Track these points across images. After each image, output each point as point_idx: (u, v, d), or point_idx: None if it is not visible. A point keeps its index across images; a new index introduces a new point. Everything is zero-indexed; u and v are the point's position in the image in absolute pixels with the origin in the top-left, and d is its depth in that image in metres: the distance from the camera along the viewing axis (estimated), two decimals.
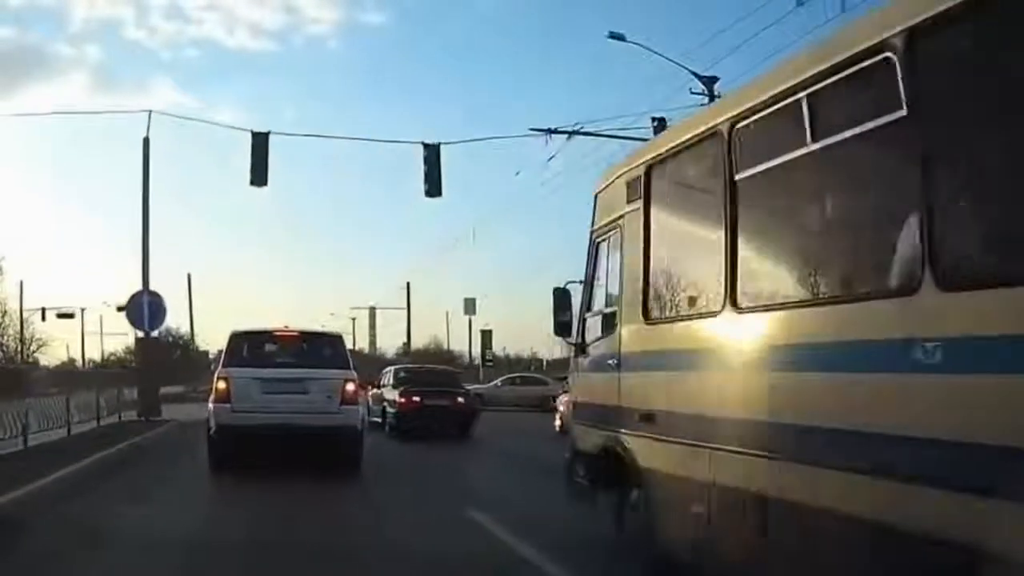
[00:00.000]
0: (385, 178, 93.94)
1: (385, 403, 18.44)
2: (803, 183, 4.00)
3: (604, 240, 6.12)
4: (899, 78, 3.17)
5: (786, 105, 3.94)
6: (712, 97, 20.98)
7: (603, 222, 6.14)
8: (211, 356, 65.85)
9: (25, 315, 51.08)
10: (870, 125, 3.40)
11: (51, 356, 57.65)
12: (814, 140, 3.74)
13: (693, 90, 22.52)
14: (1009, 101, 2.82)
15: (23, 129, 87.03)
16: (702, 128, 4.76)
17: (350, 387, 10.64)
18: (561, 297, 6.71)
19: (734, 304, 4.25)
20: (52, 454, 10.30)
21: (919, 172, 3.09)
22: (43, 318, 51.19)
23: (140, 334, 18.58)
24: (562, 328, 6.70)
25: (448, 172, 18.92)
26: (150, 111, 19.28)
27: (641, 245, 5.35)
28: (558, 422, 17.99)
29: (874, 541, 3.21)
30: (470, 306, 46.17)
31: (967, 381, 2.82)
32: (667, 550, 4.99)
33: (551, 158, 23.25)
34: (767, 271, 4.31)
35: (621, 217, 5.73)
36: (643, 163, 5.50)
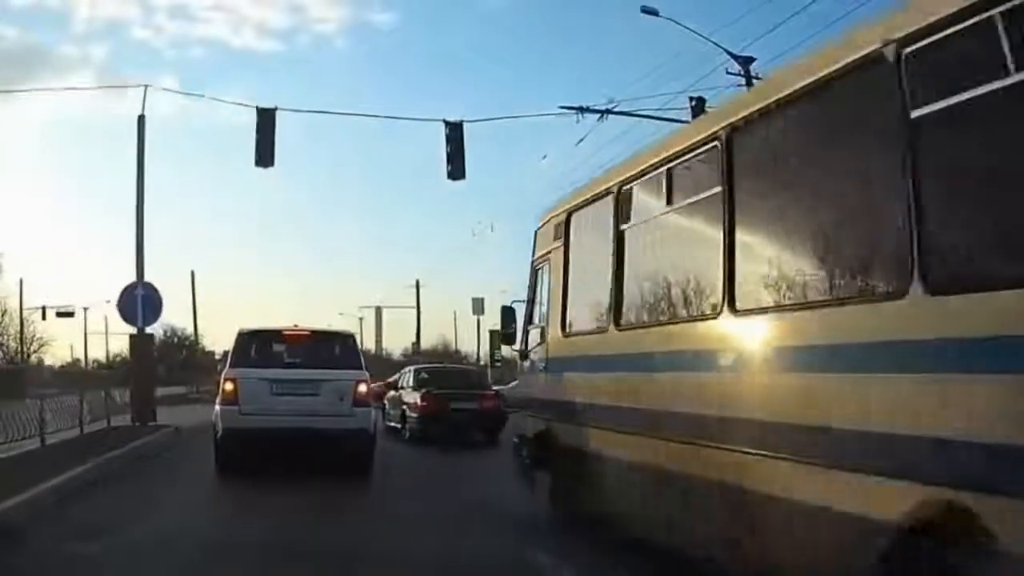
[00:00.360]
0: (393, 173, 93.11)
1: (404, 406, 16.75)
2: (659, 235, 5.61)
3: (540, 268, 7.75)
4: (721, 170, 4.68)
5: (653, 177, 5.59)
6: (749, 78, 19.77)
7: (539, 254, 7.81)
8: (217, 357, 65.23)
9: (25, 314, 49.96)
10: (693, 199, 5.10)
11: (54, 356, 56.78)
12: (668, 205, 5.44)
13: (729, 70, 21.40)
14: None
15: (25, 129, 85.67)
16: (602, 188, 6.38)
17: (363, 388, 10.25)
18: (507, 313, 8.70)
19: (617, 324, 5.95)
20: (18, 469, 8.54)
21: (723, 246, 4.58)
22: (43, 317, 50.32)
23: (134, 330, 16.76)
24: (508, 338, 8.78)
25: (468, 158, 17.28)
26: (146, 86, 17.53)
27: (562, 275, 7.02)
28: None
29: (720, 497, 4.46)
30: (478, 306, 44.71)
31: (819, 380, 3.83)
32: (583, 510, 6.49)
33: (580, 141, 21.93)
34: (639, 301, 5.85)
35: (550, 252, 7.40)
36: (564, 211, 7.10)
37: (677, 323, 5.25)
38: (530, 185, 65.98)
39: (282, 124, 16.37)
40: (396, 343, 63.16)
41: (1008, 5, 2.89)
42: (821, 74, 3.87)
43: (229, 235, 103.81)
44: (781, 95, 4.18)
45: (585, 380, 6.48)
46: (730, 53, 21.03)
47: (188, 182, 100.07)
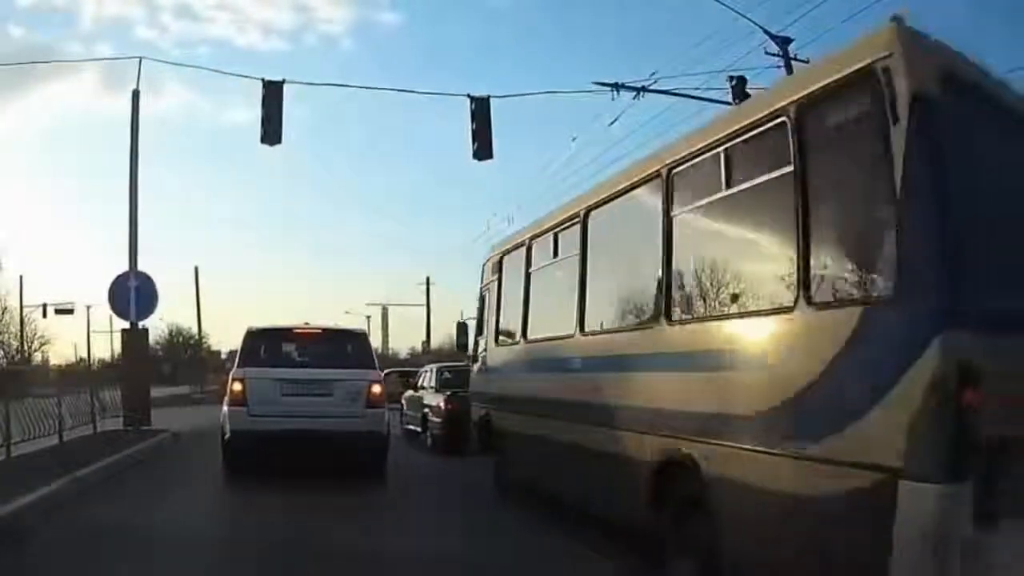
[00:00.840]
0: (400, 170, 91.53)
1: (427, 409, 14.95)
2: (549, 279, 8.08)
3: (485, 294, 10.23)
4: (581, 238, 7.10)
5: (547, 237, 8.05)
6: (787, 59, 18.41)
7: (484, 283, 10.33)
8: (223, 356, 63.48)
9: (25, 312, 48.67)
10: (566, 256, 7.55)
11: (58, 355, 55.53)
12: (553, 258, 7.94)
13: (767, 51, 19.84)
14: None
15: (29, 129, 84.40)
16: (519, 240, 8.95)
17: (376, 388, 9.91)
18: (461, 328, 11.71)
19: (525, 337, 8.40)
20: None
21: (578, 291, 7.01)
22: (44, 315, 49.08)
23: (126, 324, 15.15)
24: (462, 347, 11.46)
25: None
26: (140, 58, 16.05)
27: (495, 300, 9.64)
28: None
29: (592, 457, 6.38)
30: None
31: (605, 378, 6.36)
32: (514, 476, 8.69)
33: (613, 122, 20.10)
34: (536, 322, 8.24)
35: (489, 283, 9.99)
36: (499, 253, 9.75)
37: (554, 339, 7.51)
38: (557, 172, 63.93)
39: (288, 124, 15.12)
40: (403, 342, 61.91)
41: (713, 152, 5.08)
42: (635, 179, 6.20)
43: (233, 234, 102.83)
44: (616, 189, 6.58)
45: (506, 378, 8.98)
46: (768, 32, 19.66)
47: (191, 182, 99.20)
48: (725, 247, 5.08)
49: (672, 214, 5.51)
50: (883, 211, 3.71)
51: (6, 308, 51.17)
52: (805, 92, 4.27)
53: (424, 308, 50.83)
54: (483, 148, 15.62)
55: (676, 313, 5.38)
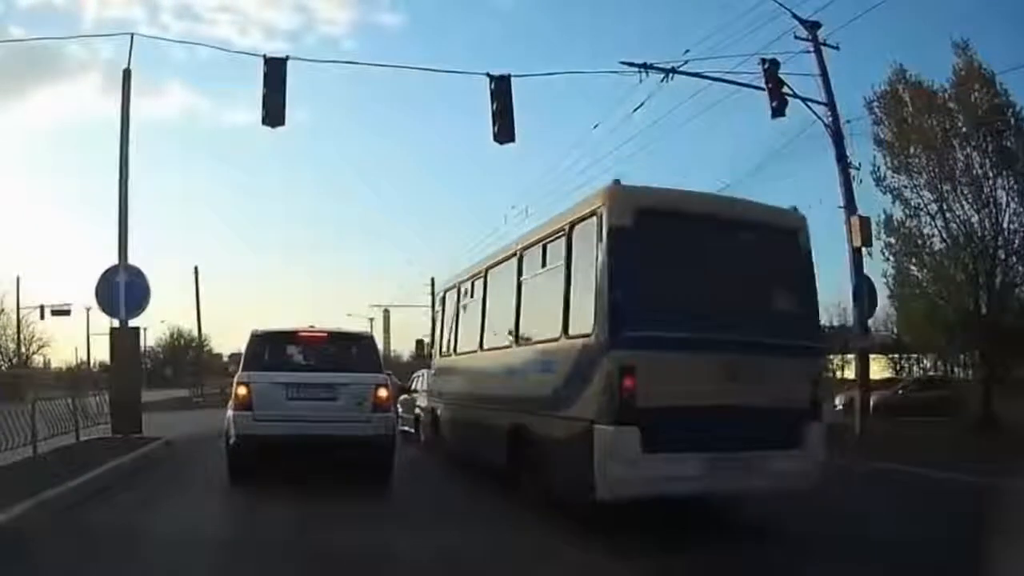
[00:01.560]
0: (405, 169, 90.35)
1: (419, 410, 15.32)
2: (470, 312, 11.30)
3: (435, 318, 14.44)
4: (483, 289, 10.77)
5: (466, 282, 11.65)
6: (817, 44, 18.61)
7: (434, 311, 16.83)
8: (226, 359, 62.37)
9: (22, 313, 47.63)
10: (471, 300, 11.43)
11: (58, 358, 54.58)
12: (469, 297, 11.50)
13: (797, 35, 18.83)
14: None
15: (29, 131, 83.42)
16: (456, 282, 12.37)
17: (382, 392, 9.73)
18: (420, 343, 18.71)
19: (454, 352, 11.94)
20: None
21: (480, 322, 10.60)
22: (42, 316, 48.08)
23: (116, 323, 13.87)
24: (421, 358, 18.17)
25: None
26: (132, 34, 14.72)
27: (441, 325, 13.34)
28: None
29: (482, 429, 9.79)
30: None
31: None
32: (447, 450, 12.01)
33: (637, 108, 18.86)
34: (461, 341, 11.62)
35: (437, 311, 14.03)
36: (443, 291, 13.52)
37: (469, 353, 10.99)
38: (576, 163, 62.44)
39: (288, 124, 13.90)
40: (406, 344, 60.85)
41: (538, 244, 8.62)
42: (507, 254, 9.65)
43: (235, 236, 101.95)
44: (500, 258, 9.99)
45: (444, 381, 12.67)
46: (797, 17, 18.84)
47: (191, 183, 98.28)
48: (540, 301, 8.31)
49: (520, 279, 9.06)
50: (593, 289, 6.92)
51: (3, 310, 50.26)
52: (573, 218, 7.61)
53: (429, 310, 49.86)
54: (504, 130, 14.32)
55: (519, 339, 8.84)
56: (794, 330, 7.13)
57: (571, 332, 7.27)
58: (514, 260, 9.23)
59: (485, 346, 10.17)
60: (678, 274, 6.96)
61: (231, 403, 9.71)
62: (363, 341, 10.88)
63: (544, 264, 8.37)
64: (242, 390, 9.41)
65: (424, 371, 17.34)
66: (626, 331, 6.54)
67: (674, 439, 6.46)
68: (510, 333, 9.05)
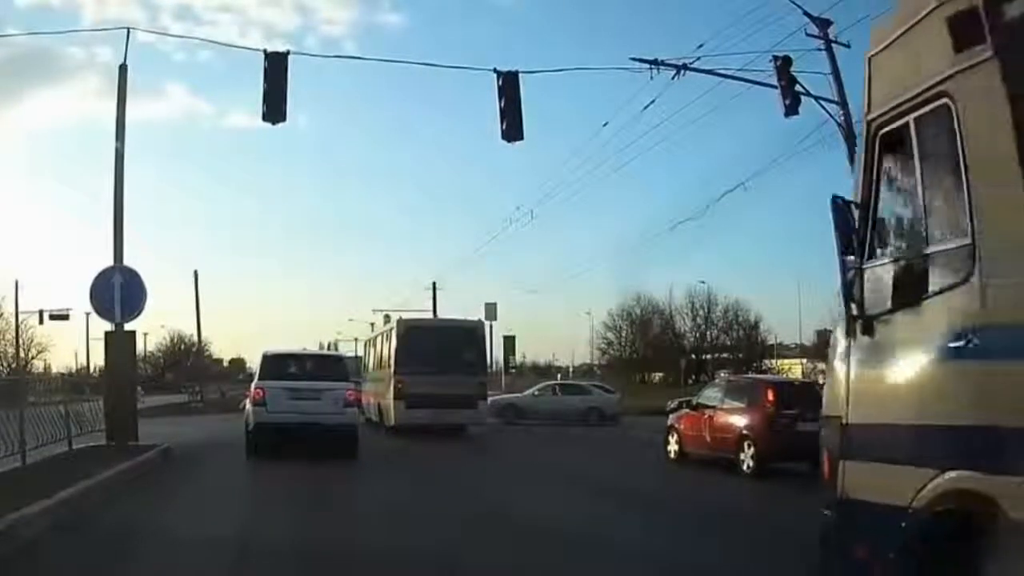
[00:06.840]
0: (407, 170, 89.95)
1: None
2: (378, 351, 25.36)
3: (367, 349, 29.73)
4: (391, 345, 22.47)
5: (372, 339, 27.93)
6: (828, 42, 18.41)
7: (364, 345, 33.81)
8: (226, 364, 63.64)
9: (21, 318, 47.14)
10: (382, 347, 24.00)
11: (59, 362, 54.10)
12: (376, 343, 26.19)
13: (808, 32, 18.43)
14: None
15: (28, 133, 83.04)
16: (372, 335, 29.16)
17: (351, 395, 14.45)
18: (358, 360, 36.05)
19: (378, 369, 26.40)
20: None
21: (392, 358, 22.09)
22: (40, 321, 47.52)
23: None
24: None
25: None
26: (128, 28, 14.33)
27: (368, 357, 28.59)
28: (673, 446, 15.05)
29: (382, 411, 22.74)
30: (491, 311, 41.69)
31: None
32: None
33: (647, 106, 18.51)
34: (371, 367, 26.16)
35: (366, 344, 32.04)
36: (367, 339, 32.41)
37: (378, 370, 23.26)
38: (588, 160, 61.86)
39: (289, 127, 13.45)
40: None
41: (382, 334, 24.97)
42: (387, 330, 23.82)
43: (236, 240, 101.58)
44: (385, 330, 24.65)
45: (377, 382, 22.94)
46: (808, 15, 18.41)
47: (191, 185, 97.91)
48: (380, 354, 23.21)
49: (392, 347, 20.77)
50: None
51: (1, 314, 49.83)
52: (390, 328, 23.33)
53: (430, 312, 49.22)
54: (512, 128, 14.03)
55: (381, 367, 22.31)
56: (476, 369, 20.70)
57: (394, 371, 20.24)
58: (388, 334, 22.20)
59: (400, 371, 20.09)
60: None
61: (250, 401, 14.11)
62: (338, 360, 17.10)
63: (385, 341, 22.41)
64: (259, 393, 13.73)
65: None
66: (405, 371, 19.73)
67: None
68: (387, 367, 21.18)
